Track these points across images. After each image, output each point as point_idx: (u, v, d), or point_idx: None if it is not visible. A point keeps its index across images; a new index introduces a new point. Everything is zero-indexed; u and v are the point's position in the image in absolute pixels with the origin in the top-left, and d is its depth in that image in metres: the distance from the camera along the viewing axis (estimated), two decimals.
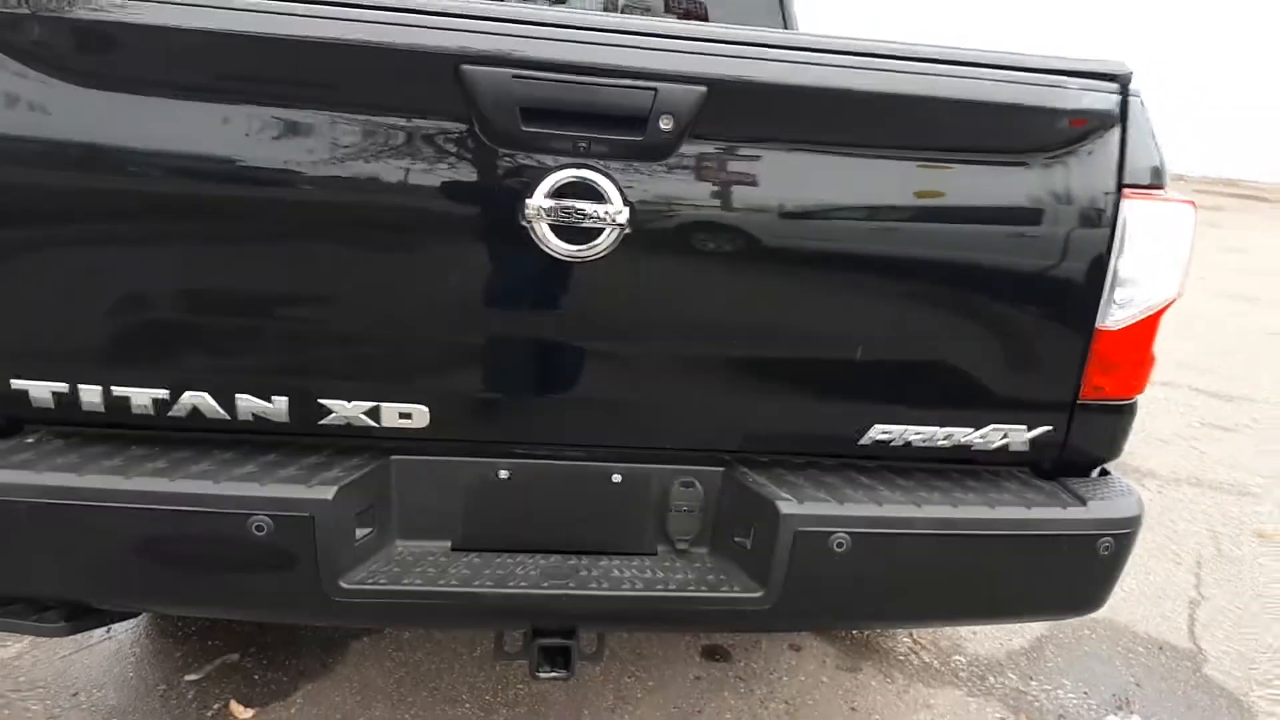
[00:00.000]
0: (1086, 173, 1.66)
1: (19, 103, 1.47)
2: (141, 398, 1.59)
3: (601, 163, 1.54)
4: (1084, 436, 1.81)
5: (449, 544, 1.73)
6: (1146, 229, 1.68)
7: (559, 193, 1.53)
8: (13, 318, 1.54)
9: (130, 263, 1.55)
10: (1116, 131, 1.66)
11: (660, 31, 1.55)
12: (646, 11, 4.02)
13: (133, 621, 2.70)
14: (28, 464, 1.54)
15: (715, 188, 1.60)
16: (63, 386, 1.57)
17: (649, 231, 1.57)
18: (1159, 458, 4.54)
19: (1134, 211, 1.67)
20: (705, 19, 3.86)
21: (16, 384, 1.56)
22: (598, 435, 1.75)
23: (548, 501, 1.75)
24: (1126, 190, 1.67)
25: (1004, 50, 1.66)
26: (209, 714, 2.36)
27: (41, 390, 1.57)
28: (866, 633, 2.94)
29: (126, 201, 1.52)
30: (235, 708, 2.38)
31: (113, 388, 1.58)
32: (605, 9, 3.83)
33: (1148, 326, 1.75)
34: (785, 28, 3.58)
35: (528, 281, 1.61)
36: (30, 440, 1.62)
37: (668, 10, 4.00)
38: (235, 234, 1.55)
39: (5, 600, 1.65)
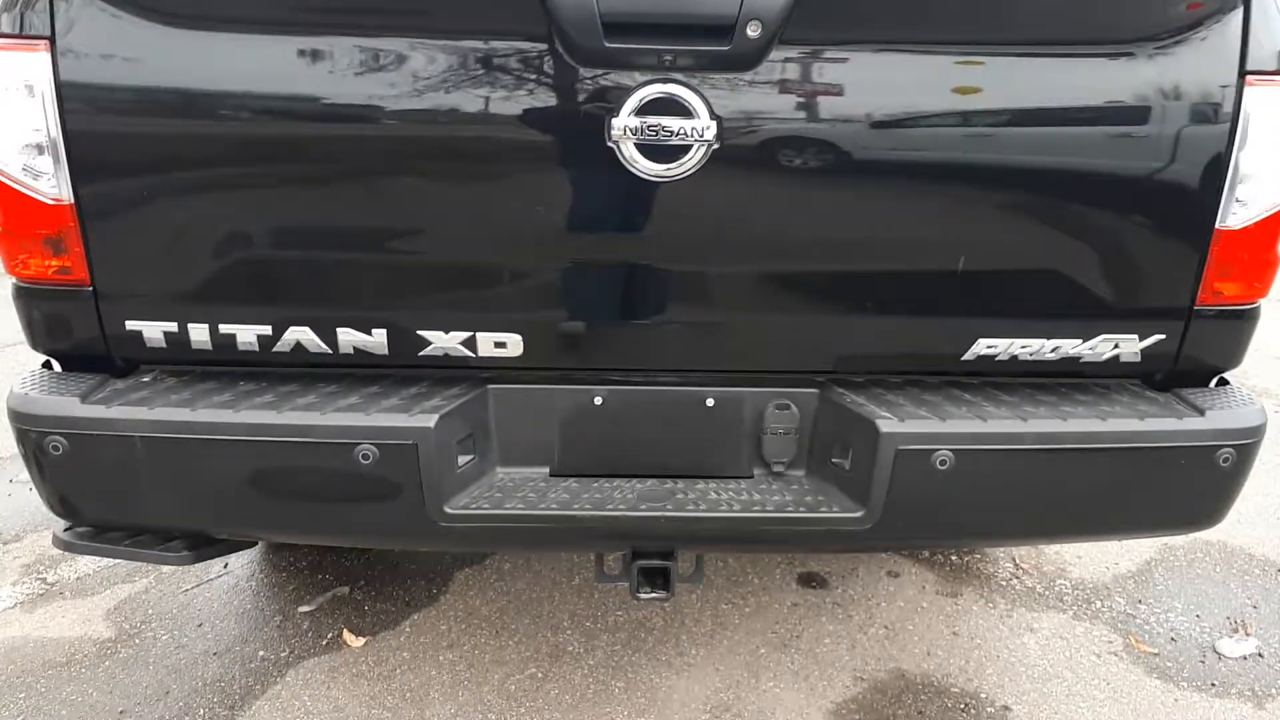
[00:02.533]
0: (1205, 59, 1.56)
1: (118, 51, 1.50)
2: (247, 334, 1.64)
3: (687, 76, 1.50)
4: (1201, 345, 1.72)
5: (547, 470, 1.75)
6: (1272, 119, 1.57)
7: (645, 110, 1.50)
8: (126, 262, 1.59)
9: (229, 204, 1.59)
10: (1238, 12, 1.54)
11: None
12: None
13: (248, 557, 2.82)
14: (144, 401, 1.61)
15: (806, 97, 1.55)
16: (173, 326, 1.63)
17: (738, 147, 1.53)
18: (1273, 374, 4.33)
19: (1258, 100, 1.56)
20: None
21: (131, 325, 1.62)
22: (690, 359, 1.73)
23: (642, 426, 1.75)
24: (1250, 77, 1.56)
25: None
26: (323, 643, 2.46)
27: (154, 330, 1.63)
28: (966, 557, 2.90)
29: (221, 144, 1.55)
30: (348, 637, 2.48)
31: (220, 326, 1.63)
32: None
33: (1272, 225, 1.64)
34: None
35: (616, 204, 1.60)
36: (146, 379, 1.68)
37: None
38: (328, 171, 1.57)
39: (133, 531, 1.73)
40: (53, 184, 1.53)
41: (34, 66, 1.48)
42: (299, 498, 1.66)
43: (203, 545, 1.77)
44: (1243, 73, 1.56)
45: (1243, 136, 1.57)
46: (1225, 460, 1.66)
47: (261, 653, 2.42)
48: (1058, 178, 1.61)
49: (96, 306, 1.61)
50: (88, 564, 2.76)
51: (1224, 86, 1.56)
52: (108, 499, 1.66)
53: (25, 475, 3.27)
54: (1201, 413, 1.68)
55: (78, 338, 1.65)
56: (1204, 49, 1.55)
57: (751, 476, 1.76)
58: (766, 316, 1.70)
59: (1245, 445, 1.68)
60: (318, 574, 2.76)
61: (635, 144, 1.51)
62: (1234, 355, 1.77)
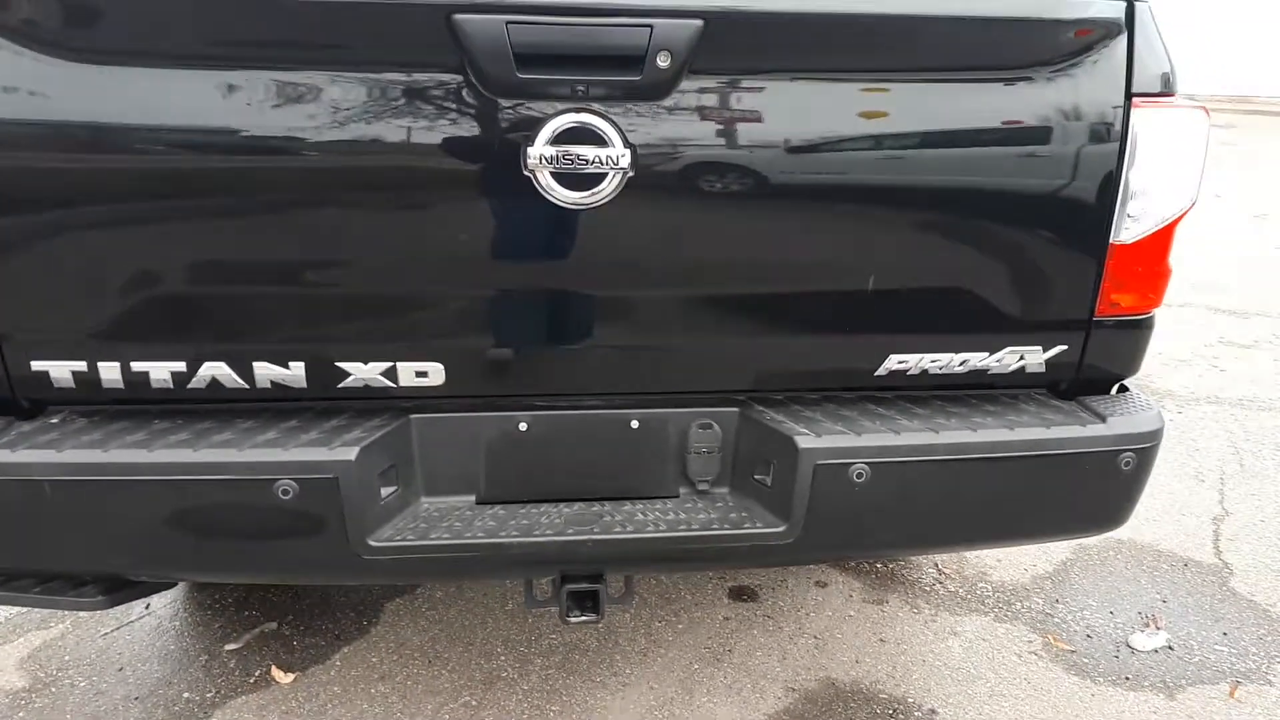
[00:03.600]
0: (1094, 83, 1.64)
1: (16, 85, 1.46)
2: (160, 372, 1.60)
3: (600, 106, 1.52)
4: (1101, 354, 1.80)
5: (473, 498, 1.75)
6: (1158, 138, 1.66)
7: (560, 139, 1.52)
8: (28, 301, 1.55)
9: (138, 239, 1.56)
10: (1123, 39, 1.63)
11: None
12: None
13: (170, 597, 2.75)
14: (53, 443, 1.56)
15: (717, 125, 1.59)
16: (82, 365, 1.58)
17: (652, 174, 1.56)
18: (1178, 377, 4.52)
19: (1144, 120, 1.65)
20: None
21: (37, 365, 1.58)
22: (613, 382, 1.75)
23: (568, 451, 1.76)
24: (1136, 99, 1.64)
25: None
26: (251, 680, 2.41)
27: (62, 370, 1.58)
28: (891, 565, 2.97)
29: (129, 178, 1.52)
30: (277, 673, 2.43)
31: (131, 364, 1.59)
32: None
33: (1162, 239, 1.73)
34: None
35: (534, 231, 1.61)
36: (54, 420, 1.63)
37: None
38: (237, 203, 1.55)
39: (44, 578, 1.68)
40: None
41: None
42: (218, 537, 1.62)
43: (118, 589, 1.73)
44: (1129, 95, 1.64)
45: (1131, 155, 1.66)
46: (1127, 464, 1.74)
47: (186, 694, 2.36)
48: (960, 198, 1.67)
49: (0, 348, 1.56)
50: None
51: (1113, 108, 1.64)
52: (16, 545, 1.60)
53: None
54: (1103, 419, 1.76)
55: None
56: (1093, 73, 1.63)
57: (677, 496, 1.78)
58: (687, 338, 1.72)
59: (1145, 449, 1.76)
60: (244, 610, 2.69)
61: (551, 172, 1.53)
62: (1132, 363, 1.86)
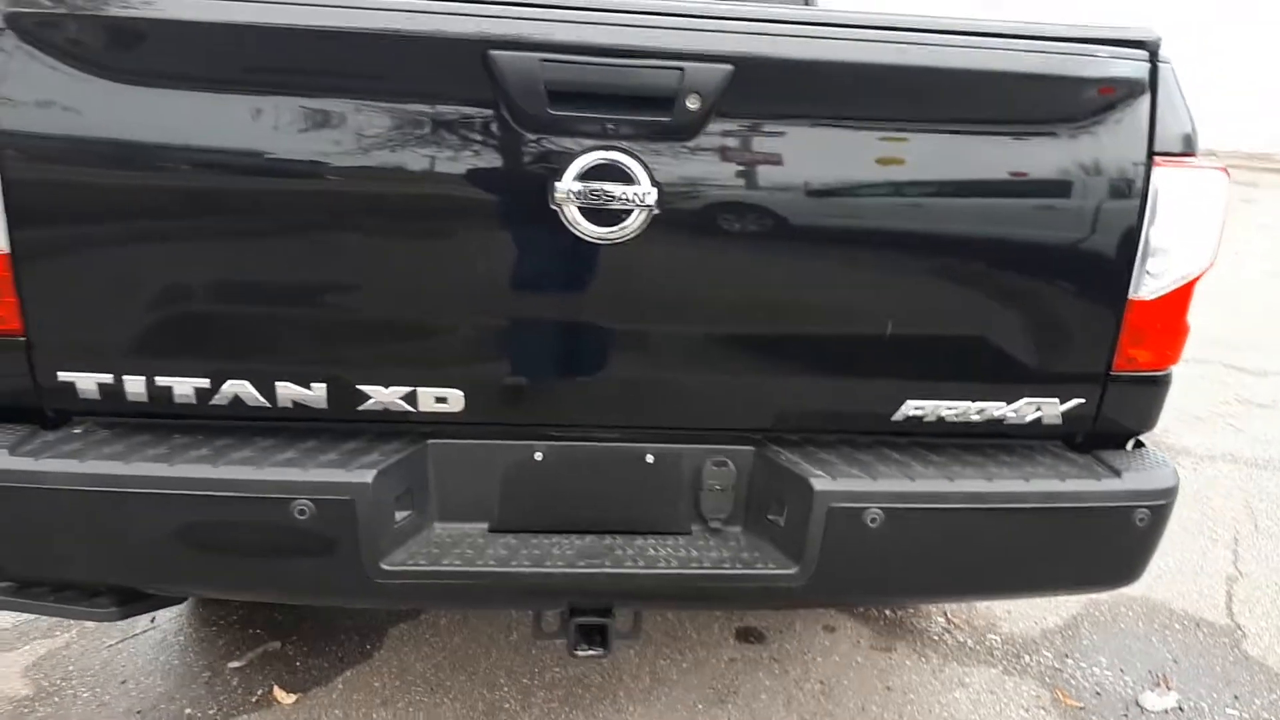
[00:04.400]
0: (1116, 141, 1.65)
1: (58, 101, 1.50)
2: (184, 387, 1.63)
3: (629, 144, 1.55)
4: (1117, 408, 1.81)
5: (486, 526, 1.76)
6: (1178, 197, 1.67)
7: (587, 175, 1.54)
8: (61, 313, 1.58)
9: (169, 256, 1.59)
10: (1146, 99, 1.65)
11: (685, 11, 1.56)
12: None
13: (175, 611, 2.75)
14: (76, 454, 1.58)
15: (742, 166, 1.61)
16: (107, 378, 1.61)
17: (677, 212, 1.58)
18: (1194, 435, 4.49)
19: (1165, 179, 1.66)
20: None
21: (63, 376, 1.60)
22: (630, 416, 1.76)
23: (582, 482, 1.77)
24: (1157, 158, 1.66)
25: (1030, 20, 1.65)
26: (253, 700, 2.40)
27: (87, 382, 1.61)
28: (900, 613, 2.95)
29: (163, 196, 1.56)
30: (279, 694, 2.42)
31: (156, 378, 1.62)
32: None
33: (1181, 296, 1.74)
34: (806, 4, 3.57)
35: (558, 264, 1.63)
36: (77, 431, 1.65)
37: None
38: (271, 225, 1.59)
39: (58, 586, 1.69)
40: None
41: None
42: (233, 553, 1.64)
43: (130, 601, 1.73)
44: (1151, 153, 1.66)
45: (1152, 213, 1.67)
46: (1141, 520, 1.73)
47: (188, 710, 2.35)
48: (981, 248, 1.69)
49: (29, 357, 1.59)
50: (5, 618, 2.66)
51: (1135, 166, 1.66)
52: (34, 554, 1.62)
53: None
54: (1118, 474, 1.75)
55: (8, 388, 1.62)
56: (1115, 131, 1.65)
57: (689, 533, 1.78)
58: (704, 375, 1.74)
59: (1160, 505, 1.75)
60: (248, 629, 2.69)
61: (578, 207, 1.55)
62: (1148, 419, 1.85)
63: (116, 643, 2.60)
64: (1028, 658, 2.77)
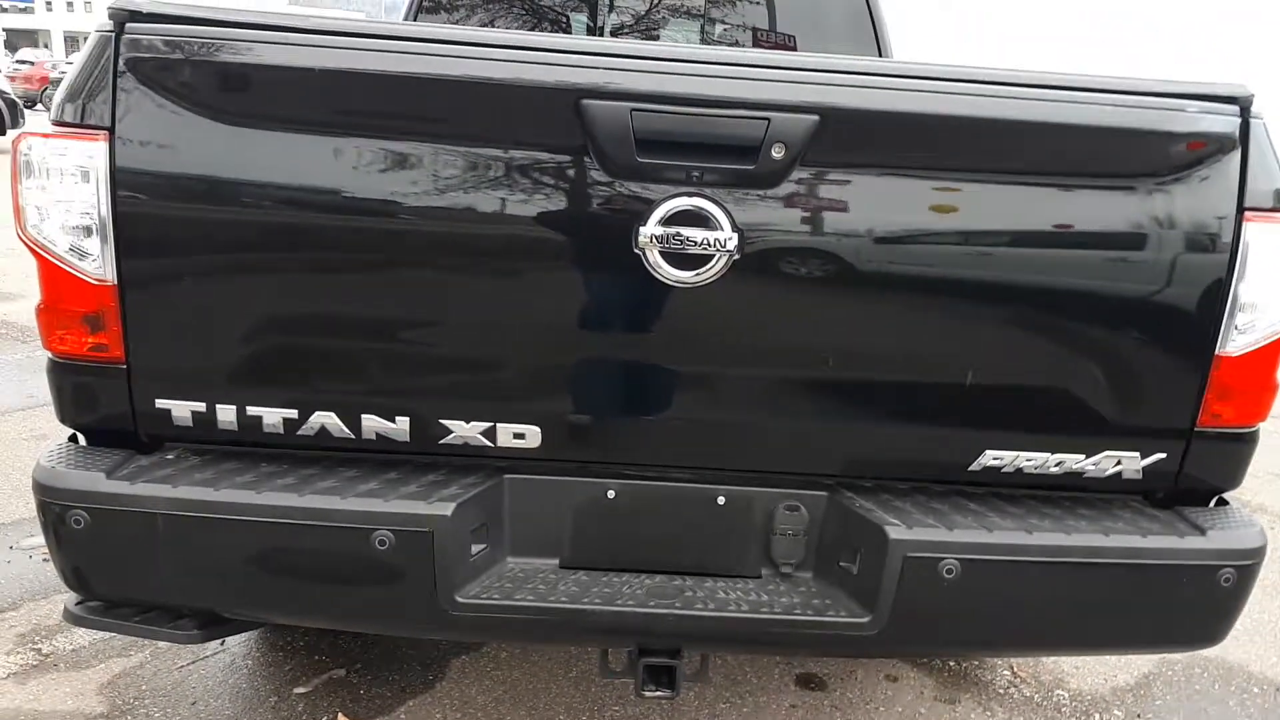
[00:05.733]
0: (1206, 195, 1.64)
1: (169, 141, 1.57)
2: (273, 417, 1.68)
3: (713, 191, 1.58)
4: (1201, 465, 1.77)
5: (557, 561, 1.77)
6: (1269, 252, 1.65)
7: (671, 220, 1.57)
8: (161, 343, 1.64)
9: (264, 291, 1.65)
10: (1236, 154, 1.63)
11: (772, 62, 1.59)
12: (737, 44, 4.08)
13: (245, 635, 2.80)
14: (168, 479, 1.64)
15: (822, 214, 1.63)
16: (201, 406, 1.67)
17: (757, 258, 1.60)
18: (1271, 492, 4.35)
19: (1256, 234, 1.64)
20: (794, 49, 3.91)
21: (161, 404, 1.67)
22: (703, 458, 1.78)
23: (653, 522, 1.78)
24: (1248, 213, 1.64)
25: (1120, 74, 1.65)
26: None
27: (182, 410, 1.67)
28: (965, 664, 2.89)
29: (262, 233, 1.62)
30: None
31: (247, 408, 1.67)
32: (702, 43, 3.90)
33: (1270, 353, 1.71)
34: (880, 54, 3.59)
35: (639, 306, 1.66)
36: (170, 457, 1.71)
37: (756, 43, 4.06)
38: (364, 264, 1.64)
39: (144, 608, 1.74)
40: (98, 264, 1.60)
41: (92, 154, 1.55)
42: (314, 581, 1.68)
43: (212, 624, 1.78)
44: (1241, 208, 1.64)
45: (1241, 268, 1.65)
46: (1226, 580, 1.69)
47: None
48: (1065, 300, 1.68)
49: (129, 384, 1.66)
50: (83, 636, 2.74)
51: (1224, 221, 1.64)
52: (125, 575, 1.68)
53: (27, 542, 3.26)
54: (1203, 532, 1.72)
55: (107, 414, 1.69)
56: (1207, 185, 1.63)
57: (759, 576, 1.78)
58: (779, 420, 1.74)
59: (1246, 566, 1.71)
60: (314, 655, 2.74)
61: (660, 251, 1.58)
62: (1233, 476, 1.81)
63: (188, 664, 2.66)
64: (1098, 716, 2.69)
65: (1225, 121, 1.64)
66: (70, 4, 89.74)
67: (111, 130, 1.56)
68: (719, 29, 4.09)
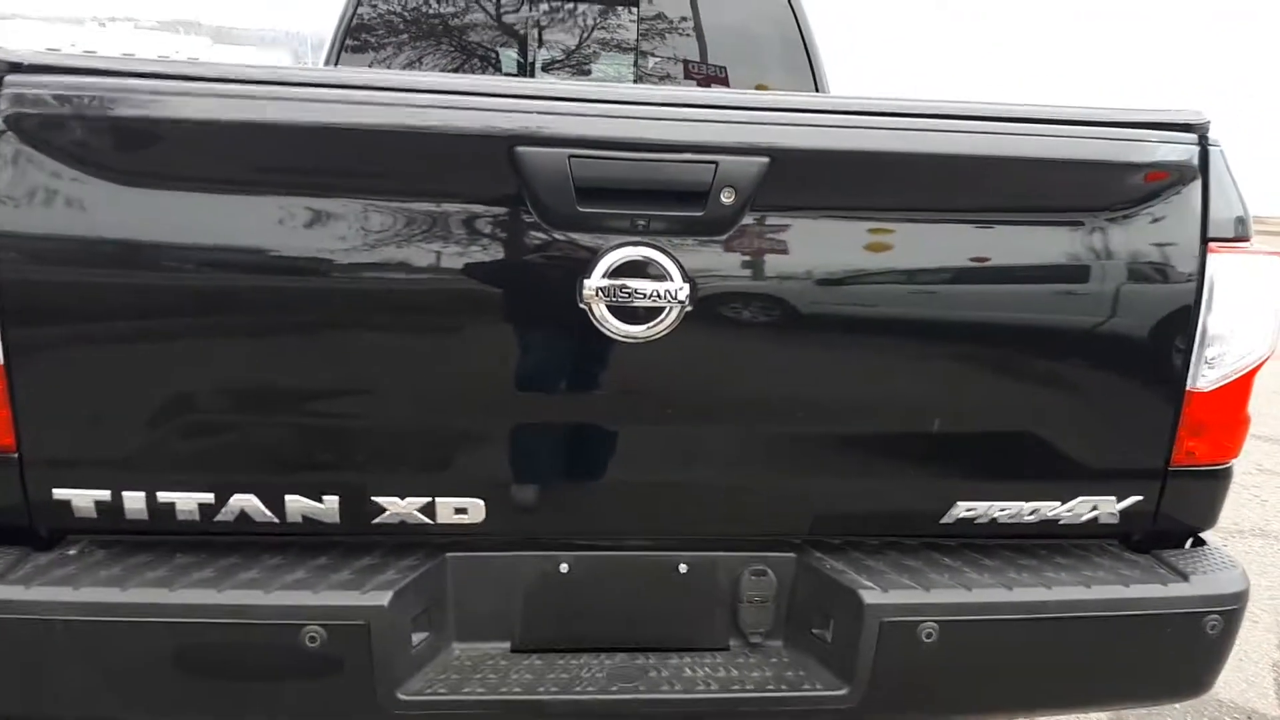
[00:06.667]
0: (1167, 228, 1.58)
1: (56, 202, 1.42)
2: (187, 503, 1.52)
3: (660, 239, 1.48)
4: (1177, 505, 1.70)
5: (508, 645, 1.64)
6: (1235, 283, 1.59)
7: (617, 272, 1.46)
8: (56, 425, 1.48)
9: (172, 363, 1.50)
10: (1197, 184, 1.58)
11: (718, 102, 1.50)
12: (665, 79, 4.02)
13: None
14: (69, 579, 1.47)
15: (777, 260, 1.54)
16: (105, 495, 1.50)
17: (711, 308, 1.50)
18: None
19: (1221, 266, 1.59)
20: (726, 83, 3.86)
21: (59, 494, 1.50)
22: (661, 523, 1.66)
23: (611, 595, 1.66)
24: (1211, 244, 1.58)
25: (1072, 105, 1.60)
26: None
27: (84, 499, 1.50)
28: None
29: (167, 300, 1.47)
30: None
31: (157, 494, 1.51)
32: (634, 78, 3.83)
33: (1241, 386, 1.65)
34: (816, 88, 3.55)
35: (586, 365, 1.55)
36: (72, 552, 1.54)
37: (688, 76, 4.00)
38: (282, 329, 1.50)
39: None
40: None
41: None
42: (239, 685, 1.51)
43: None
44: (1205, 239, 1.59)
45: (1209, 301, 1.59)
46: (1212, 628, 1.62)
47: None
48: (1030, 342, 1.61)
49: (21, 474, 1.48)
50: None
51: (1188, 253, 1.58)
52: (21, 688, 1.49)
53: None
54: (1186, 578, 1.64)
55: None
56: (1167, 218, 1.58)
57: (728, 648, 1.66)
58: (742, 479, 1.64)
59: (1231, 611, 1.64)
60: None
61: (606, 305, 1.47)
62: (1210, 515, 1.75)
63: None
64: None
65: (1184, 150, 1.59)
66: None
67: None
68: (651, 62, 4.02)
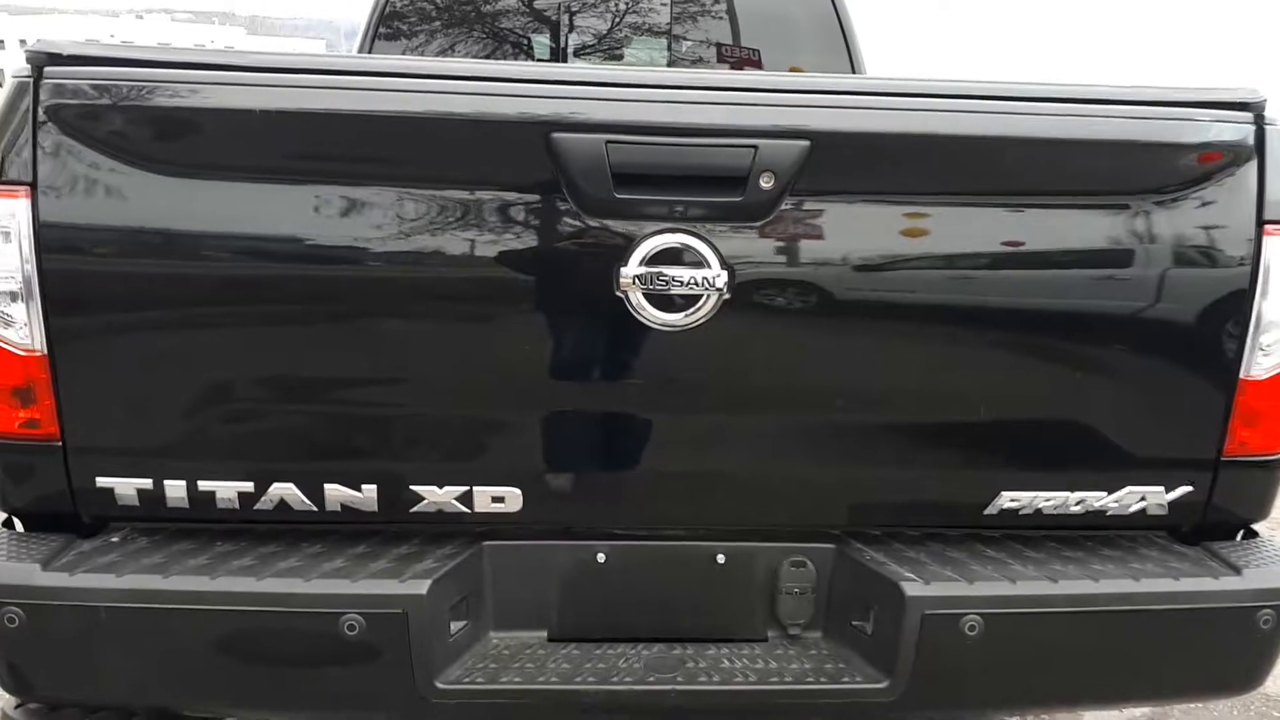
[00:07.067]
0: (1222, 210, 1.54)
1: (96, 192, 1.43)
2: (227, 491, 1.53)
3: (698, 226, 1.45)
4: (1229, 496, 1.66)
5: (545, 634, 1.63)
6: None
7: (654, 260, 1.45)
8: (100, 415, 1.49)
9: (213, 353, 1.51)
10: (1253, 164, 1.53)
11: (757, 85, 1.48)
12: (699, 63, 3.97)
13: None
14: (112, 566, 1.48)
15: (817, 246, 1.51)
16: (147, 483, 1.52)
17: (750, 296, 1.48)
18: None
19: (1277, 249, 1.53)
20: (759, 65, 3.80)
21: (102, 482, 1.51)
22: (699, 513, 1.64)
23: (648, 586, 1.64)
24: (1267, 227, 1.53)
25: (1127, 85, 1.55)
26: None
27: (127, 488, 1.52)
28: None
29: (208, 290, 1.48)
30: None
31: (199, 482, 1.52)
32: (667, 61, 3.79)
33: None
34: (853, 69, 3.49)
35: (623, 353, 1.53)
36: (115, 540, 1.56)
37: (720, 59, 3.95)
38: (320, 318, 1.50)
39: (90, 709, 1.58)
40: (24, 333, 1.44)
41: (12, 211, 1.40)
42: (278, 673, 1.53)
43: None
44: (1260, 222, 1.54)
45: (1264, 285, 1.54)
46: (1266, 622, 1.57)
47: None
48: (1079, 327, 1.57)
49: (66, 463, 1.50)
50: None
51: (1243, 236, 1.54)
52: (66, 674, 1.52)
53: None
54: (1238, 571, 1.60)
55: (43, 495, 1.54)
56: (1222, 199, 1.53)
57: (766, 639, 1.65)
58: (780, 469, 1.62)
59: None
60: None
61: (644, 293, 1.45)
62: (1263, 506, 1.70)
63: None
64: None
65: (1239, 130, 1.54)
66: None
67: (33, 185, 1.41)
68: (684, 45, 3.98)
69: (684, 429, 1.59)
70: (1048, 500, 1.62)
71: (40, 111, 1.40)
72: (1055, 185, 1.54)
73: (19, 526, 1.59)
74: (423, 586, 1.47)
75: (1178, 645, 1.60)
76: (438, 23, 3.84)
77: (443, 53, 3.75)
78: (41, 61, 1.40)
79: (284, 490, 1.53)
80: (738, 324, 1.48)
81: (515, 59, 3.82)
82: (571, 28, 3.89)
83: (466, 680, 1.51)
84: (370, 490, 1.54)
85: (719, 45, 3.95)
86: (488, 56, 3.79)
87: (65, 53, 1.42)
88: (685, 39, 3.98)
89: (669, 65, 3.94)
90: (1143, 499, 1.63)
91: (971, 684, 1.58)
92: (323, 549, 1.55)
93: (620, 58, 3.96)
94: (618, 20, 3.96)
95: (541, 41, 3.92)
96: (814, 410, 1.58)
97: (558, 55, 3.85)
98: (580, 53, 3.91)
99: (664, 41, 3.98)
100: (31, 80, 1.40)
